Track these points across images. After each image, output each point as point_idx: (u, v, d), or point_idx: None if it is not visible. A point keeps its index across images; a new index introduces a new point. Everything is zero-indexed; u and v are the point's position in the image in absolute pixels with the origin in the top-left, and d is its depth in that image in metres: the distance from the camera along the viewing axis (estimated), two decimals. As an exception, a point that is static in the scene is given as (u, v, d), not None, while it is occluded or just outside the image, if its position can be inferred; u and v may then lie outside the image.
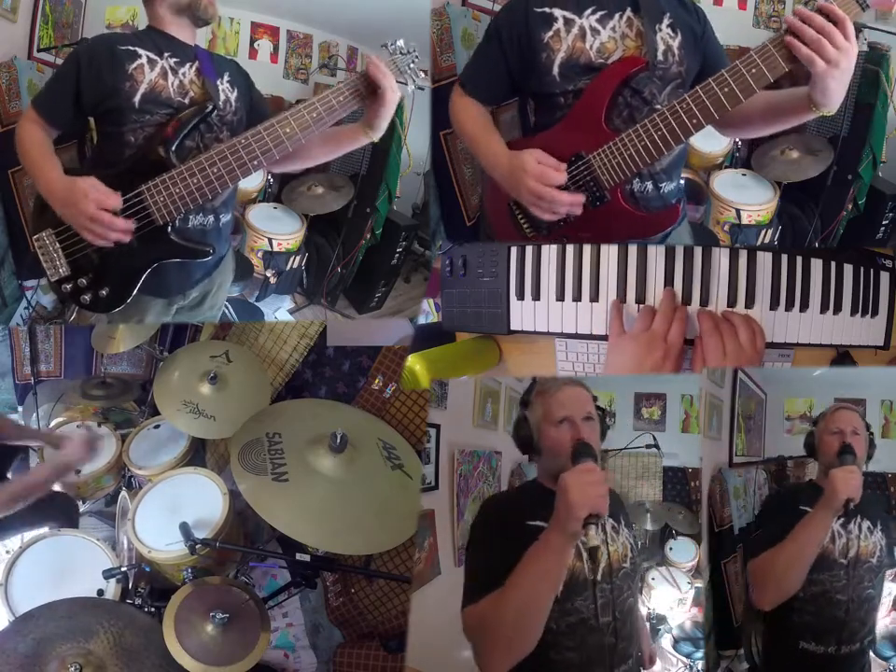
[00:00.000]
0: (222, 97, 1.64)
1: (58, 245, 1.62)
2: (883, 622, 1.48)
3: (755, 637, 1.45)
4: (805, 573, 1.37)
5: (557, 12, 1.53)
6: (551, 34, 1.53)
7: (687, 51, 1.53)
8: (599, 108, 1.51)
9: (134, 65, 1.58)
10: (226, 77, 1.66)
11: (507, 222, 1.63)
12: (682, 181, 1.73)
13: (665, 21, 1.51)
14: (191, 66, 1.62)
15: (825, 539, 1.38)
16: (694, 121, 1.44)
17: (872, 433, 1.48)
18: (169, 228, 1.62)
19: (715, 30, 1.58)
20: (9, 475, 2.12)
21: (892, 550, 1.46)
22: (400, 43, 1.64)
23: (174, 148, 1.58)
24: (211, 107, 1.60)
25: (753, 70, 1.39)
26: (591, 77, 1.51)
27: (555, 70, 1.53)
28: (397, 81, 1.62)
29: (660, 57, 1.51)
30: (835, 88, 1.37)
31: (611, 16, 1.51)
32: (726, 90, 1.41)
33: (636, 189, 1.58)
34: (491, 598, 1.09)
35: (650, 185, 1.59)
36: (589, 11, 1.51)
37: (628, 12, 1.51)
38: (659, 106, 1.51)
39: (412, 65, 1.65)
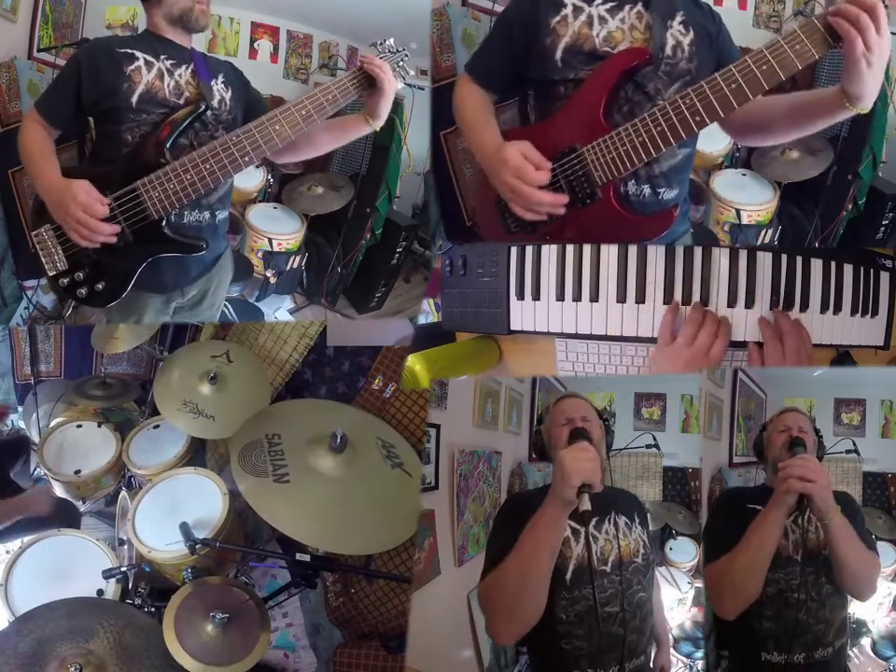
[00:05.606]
0: (216, 97, 1.69)
1: (56, 240, 1.65)
2: (883, 621, 1.48)
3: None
4: (763, 577, 1.32)
5: None
6: (558, 18, 1.49)
7: (699, 50, 1.47)
8: (598, 99, 1.44)
9: (132, 67, 1.62)
10: (220, 78, 1.71)
11: (493, 217, 1.58)
12: (686, 192, 1.64)
13: (678, 19, 1.47)
14: (187, 68, 1.67)
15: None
16: (697, 118, 1.36)
17: (821, 436, 1.46)
18: (164, 223, 1.65)
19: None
20: (12, 475, 2.13)
21: None
22: (390, 42, 1.68)
23: (168, 146, 1.61)
24: (204, 107, 1.64)
25: (764, 66, 1.30)
26: (593, 67, 1.46)
27: (558, 55, 1.48)
28: None
29: (668, 52, 1.46)
30: (871, 79, 1.28)
31: (621, 7, 1.47)
32: (734, 86, 1.32)
33: (630, 192, 1.51)
34: (496, 570, 1.24)
35: (647, 189, 1.52)
36: (599, 1, 1.47)
37: (639, 6, 1.46)
38: (662, 102, 1.44)
39: (400, 63, 1.68)
